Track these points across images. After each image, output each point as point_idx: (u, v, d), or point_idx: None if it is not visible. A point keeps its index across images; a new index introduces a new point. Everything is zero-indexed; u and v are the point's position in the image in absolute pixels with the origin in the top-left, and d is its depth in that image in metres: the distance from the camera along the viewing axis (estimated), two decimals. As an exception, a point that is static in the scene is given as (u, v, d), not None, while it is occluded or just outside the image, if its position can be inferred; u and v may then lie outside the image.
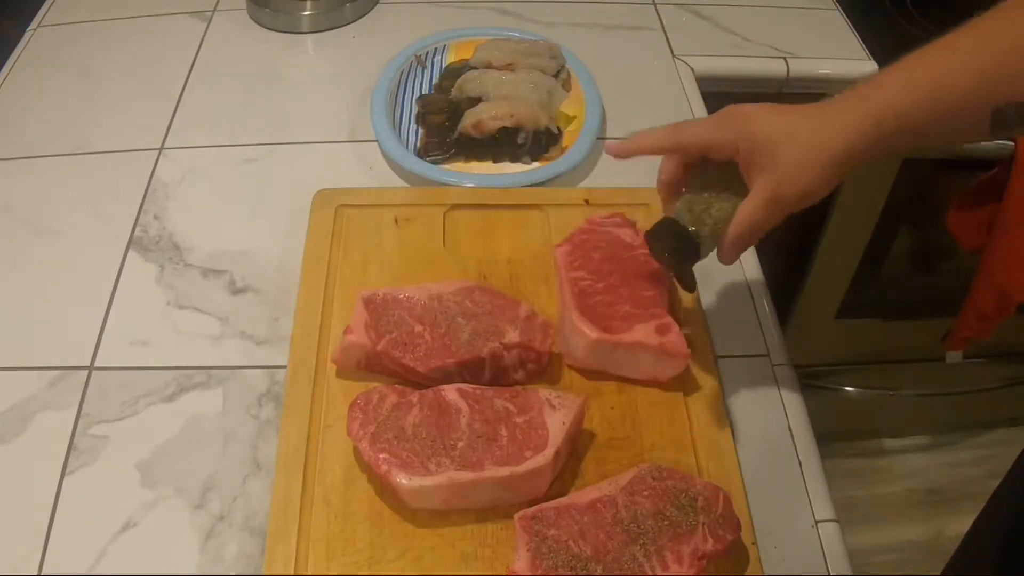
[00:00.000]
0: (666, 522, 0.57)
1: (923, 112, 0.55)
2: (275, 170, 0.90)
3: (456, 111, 0.93)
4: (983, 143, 1.06)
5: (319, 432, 0.65)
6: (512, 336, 0.67)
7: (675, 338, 0.67)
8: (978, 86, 0.53)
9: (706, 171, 0.63)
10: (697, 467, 0.65)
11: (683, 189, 0.64)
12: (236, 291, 0.78)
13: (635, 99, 0.99)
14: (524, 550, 0.56)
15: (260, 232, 0.83)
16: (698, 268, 0.79)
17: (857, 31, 1.12)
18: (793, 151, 0.57)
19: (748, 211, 0.60)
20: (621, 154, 0.64)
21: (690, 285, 0.67)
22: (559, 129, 0.92)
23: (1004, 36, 0.53)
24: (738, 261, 0.81)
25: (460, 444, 0.61)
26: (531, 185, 0.85)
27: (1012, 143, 1.00)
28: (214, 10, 1.12)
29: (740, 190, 0.61)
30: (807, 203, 0.60)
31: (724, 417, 0.68)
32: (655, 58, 1.07)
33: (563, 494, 0.62)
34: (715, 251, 0.64)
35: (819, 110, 0.58)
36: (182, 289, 0.78)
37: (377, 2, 1.14)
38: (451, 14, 1.12)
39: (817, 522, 0.64)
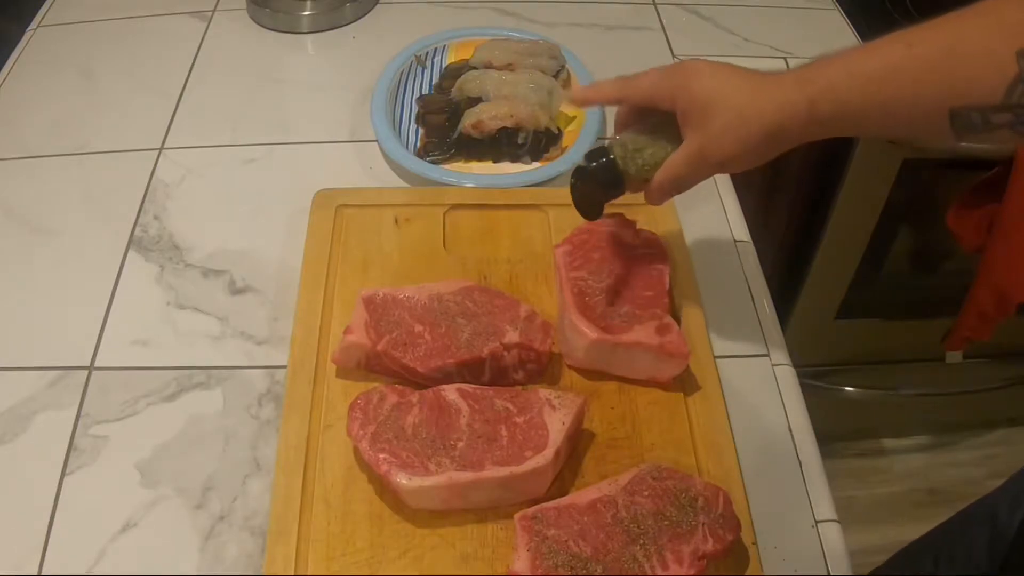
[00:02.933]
0: (666, 522, 0.57)
1: (864, 103, 0.55)
2: (275, 170, 0.91)
3: (456, 111, 0.93)
4: (983, 143, 1.06)
5: (319, 432, 0.65)
6: (512, 336, 0.67)
7: (675, 338, 0.67)
8: (928, 85, 0.52)
9: (656, 115, 0.65)
10: (697, 467, 0.65)
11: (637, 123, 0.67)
12: (236, 291, 0.78)
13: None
14: (524, 550, 0.56)
15: (260, 232, 0.83)
16: (701, 267, 0.79)
17: (857, 31, 1.12)
18: (723, 115, 0.58)
19: (673, 164, 0.63)
20: (577, 103, 0.70)
21: (594, 214, 0.70)
22: (559, 129, 0.92)
23: (968, 38, 0.52)
24: (738, 261, 0.82)
25: (460, 444, 0.61)
26: (531, 185, 0.85)
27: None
28: (214, 10, 1.12)
29: (676, 140, 0.63)
30: (732, 168, 0.61)
31: (724, 417, 0.68)
32: (655, 58, 1.07)
33: (563, 494, 0.62)
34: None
35: (761, 80, 0.59)
36: (182, 289, 0.78)
37: (377, 2, 1.14)
38: (451, 14, 1.12)
39: (817, 522, 0.64)
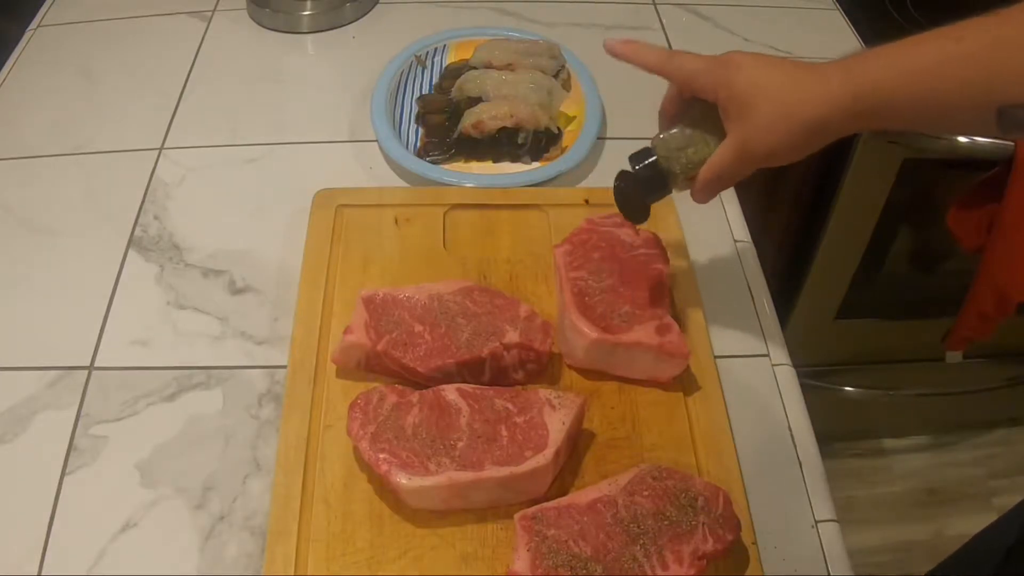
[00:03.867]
0: (666, 522, 0.57)
1: (908, 96, 0.54)
2: (275, 170, 0.91)
3: (456, 111, 0.93)
4: (981, 141, 1.06)
5: (319, 432, 0.65)
6: (512, 336, 0.67)
7: (675, 338, 0.67)
8: (976, 79, 0.52)
9: (698, 108, 0.64)
10: (697, 467, 0.65)
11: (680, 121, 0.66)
12: (236, 291, 0.78)
13: (635, 99, 0.99)
14: (524, 550, 0.56)
15: (260, 232, 0.83)
16: (701, 267, 0.79)
17: (857, 31, 1.12)
18: (766, 109, 0.58)
19: (717, 160, 0.62)
20: (614, 53, 0.66)
21: (640, 218, 0.68)
22: (559, 129, 0.92)
23: (1016, 33, 0.51)
24: (738, 261, 0.82)
25: (460, 444, 0.61)
26: (531, 185, 0.85)
27: (1012, 143, 1.00)
28: (214, 10, 1.12)
29: (719, 135, 0.62)
30: (775, 162, 0.61)
31: (724, 417, 0.68)
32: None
33: (563, 494, 0.62)
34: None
35: (804, 73, 0.58)
36: (182, 289, 0.78)
37: (377, 2, 1.14)
38: (451, 14, 1.12)
39: (817, 522, 0.64)
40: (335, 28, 1.10)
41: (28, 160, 0.91)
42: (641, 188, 0.66)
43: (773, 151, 0.59)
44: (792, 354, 0.75)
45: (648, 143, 0.66)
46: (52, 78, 1.02)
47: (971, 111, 0.52)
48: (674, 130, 0.65)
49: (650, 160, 0.65)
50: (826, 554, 0.63)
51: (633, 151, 0.66)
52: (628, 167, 0.66)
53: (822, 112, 0.57)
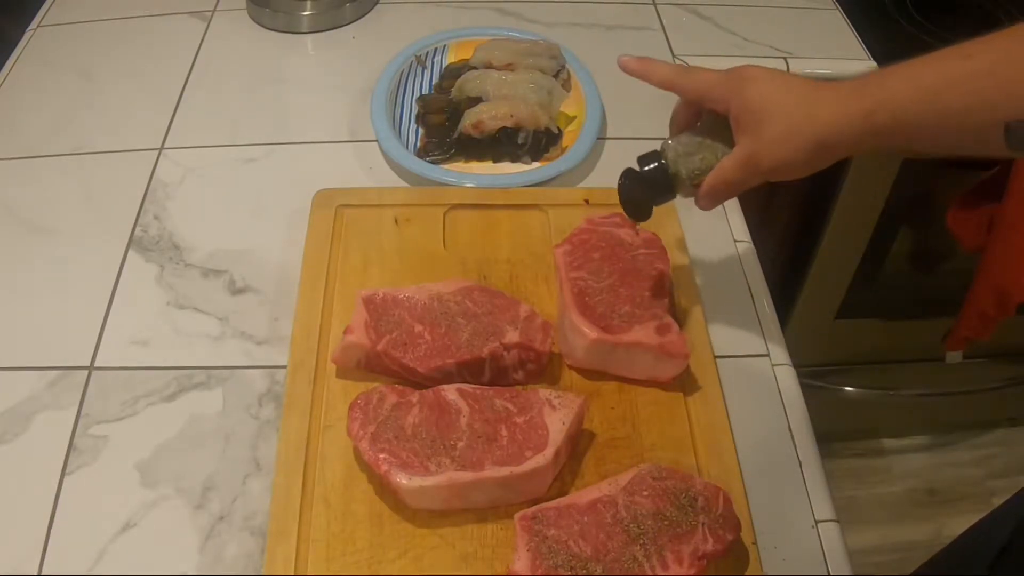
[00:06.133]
0: (666, 522, 0.57)
1: (921, 113, 0.55)
2: (275, 170, 0.91)
3: (456, 111, 0.93)
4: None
5: (319, 432, 0.65)
6: (512, 336, 0.67)
7: (675, 338, 0.67)
8: (985, 96, 0.52)
9: (709, 118, 0.65)
10: (697, 467, 0.65)
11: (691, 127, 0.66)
12: (236, 291, 0.78)
13: (635, 99, 0.99)
14: (524, 550, 0.56)
15: (260, 232, 0.83)
16: (701, 267, 0.79)
17: (857, 31, 1.12)
18: (777, 123, 0.58)
19: (724, 169, 0.62)
20: (627, 69, 0.66)
21: (642, 217, 0.68)
22: (559, 129, 0.92)
23: (1023, 49, 0.52)
24: (738, 261, 0.82)
25: (460, 444, 0.61)
26: (531, 185, 0.85)
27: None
28: (214, 10, 1.12)
29: (728, 145, 0.63)
30: (783, 176, 0.61)
31: (724, 417, 0.68)
32: (655, 58, 1.06)
33: (563, 494, 0.62)
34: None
35: (816, 89, 0.59)
36: (182, 289, 0.78)
37: (377, 2, 1.14)
38: (451, 14, 1.12)
39: (817, 522, 0.64)
40: (335, 28, 1.10)
41: (28, 160, 0.91)
42: (646, 189, 0.66)
43: (780, 165, 0.60)
44: (792, 354, 0.75)
45: (656, 146, 0.66)
46: (52, 78, 1.02)
47: (981, 129, 0.53)
48: (684, 136, 0.66)
49: (658, 163, 0.65)
50: (826, 554, 0.63)
51: (642, 152, 0.66)
52: (633, 166, 0.66)
53: (833, 129, 0.57)
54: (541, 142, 0.90)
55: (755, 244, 0.85)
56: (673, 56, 1.07)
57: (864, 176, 1.16)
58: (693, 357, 0.68)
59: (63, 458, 0.66)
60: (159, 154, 0.92)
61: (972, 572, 0.80)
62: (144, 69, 1.03)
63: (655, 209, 0.67)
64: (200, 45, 1.06)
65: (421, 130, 0.94)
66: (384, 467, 0.60)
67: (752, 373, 0.73)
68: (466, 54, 1.01)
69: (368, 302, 0.69)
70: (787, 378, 0.73)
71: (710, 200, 0.65)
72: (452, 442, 0.61)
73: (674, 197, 0.67)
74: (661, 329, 0.67)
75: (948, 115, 0.54)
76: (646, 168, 0.65)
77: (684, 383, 0.69)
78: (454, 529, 0.60)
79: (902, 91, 0.55)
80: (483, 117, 0.89)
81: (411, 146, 0.92)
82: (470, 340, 0.67)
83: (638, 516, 0.58)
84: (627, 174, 0.67)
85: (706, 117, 0.65)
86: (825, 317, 1.40)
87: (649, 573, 0.55)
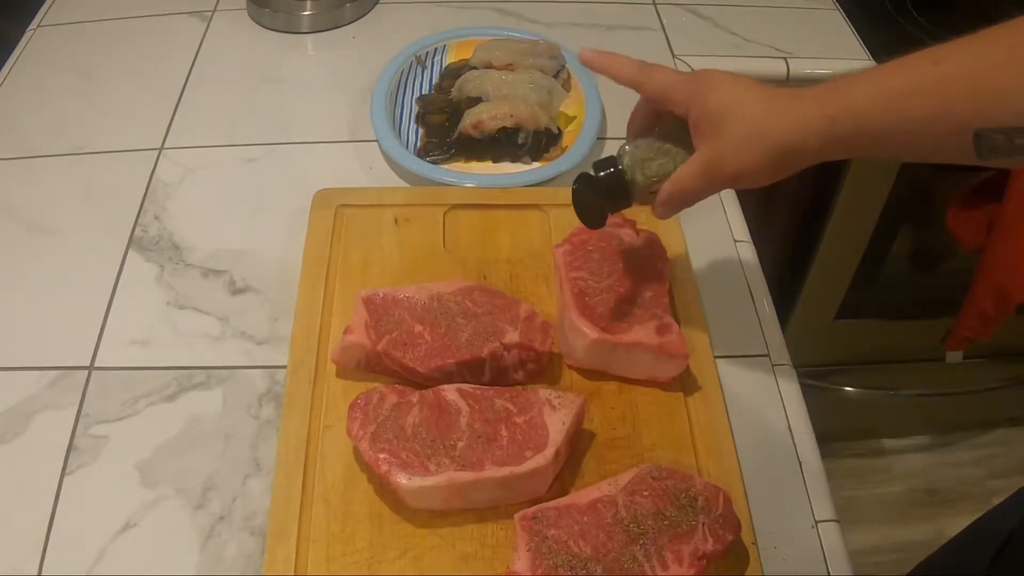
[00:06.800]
0: (666, 522, 0.57)
1: (886, 121, 0.53)
2: (275, 170, 0.91)
3: (456, 111, 0.93)
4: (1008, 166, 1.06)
5: (319, 432, 0.65)
6: (512, 336, 0.67)
7: (675, 338, 0.67)
8: (954, 102, 0.50)
9: (668, 123, 0.63)
10: (697, 467, 0.65)
11: (650, 132, 0.64)
12: (236, 291, 0.78)
13: (635, 99, 0.99)
14: (524, 550, 0.56)
15: (260, 232, 0.83)
16: (701, 267, 0.79)
17: (857, 31, 1.12)
18: (738, 129, 0.57)
19: (683, 176, 0.60)
20: (588, 64, 0.64)
21: (597, 224, 0.66)
22: (559, 129, 0.92)
23: (996, 54, 0.50)
24: (738, 261, 0.82)
25: (460, 444, 0.61)
26: (531, 185, 0.85)
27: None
28: (214, 10, 1.12)
29: (687, 152, 0.61)
30: (744, 184, 0.59)
31: (724, 417, 0.68)
32: (655, 58, 1.05)
33: (563, 494, 0.62)
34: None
35: (779, 96, 0.57)
36: (182, 289, 0.78)
37: (377, 2, 1.14)
38: (451, 14, 1.12)
39: (817, 522, 0.64)
40: (335, 28, 1.10)
41: (28, 160, 0.91)
42: (601, 195, 0.64)
43: (742, 172, 0.58)
44: (792, 354, 0.75)
45: (614, 153, 0.64)
46: (52, 78, 1.02)
47: (949, 136, 0.51)
48: (642, 141, 0.64)
49: (614, 168, 0.63)
50: (826, 554, 0.63)
51: (597, 158, 0.65)
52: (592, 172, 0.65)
53: (796, 136, 0.55)
54: (541, 142, 0.90)
55: (755, 244, 0.85)
56: (673, 56, 1.07)
57: (864, 176, 1.16)
58: (693, 357, 0.68)
59: (63, 458, 0.66)
60: (159, 154, 0.92)
61: (971, 570, 0.80)
62: (144, 69, 1.03)
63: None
64: (200, 45, 1.06)
65: (421, 130, 0.94)
66: (384, 467, 0.60)
67: (752, 373, 0.73)
68: (466, 54, 1.01)
69: (368, 302, 0.69)
70: (787, 378, 0.73)
71: (667, 208, 0.63)
72: (452, 442, 0.61)
73: (630, 205, 0.64)
74: (661, 329, 0.67)
75: (915, 122, 0.52)
76: (601, 174, 0.63)
77: (684, 383, 0.69)
78: (454, 529, 0.60)
79: (867, 97, 0.53)
80: (483, 117, 0.89)
81: (411, 146, 0.92)
82: (470, 340, 0.67)
83: (638, 516, 0.58)
84: (581, 179, 0.65)
85: (665, 120, 0.63)
86: (825, 317, 1.40)
87: (649, 573, 0.55)
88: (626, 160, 0.63)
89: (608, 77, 0.64)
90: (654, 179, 0.63)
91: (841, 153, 0.56)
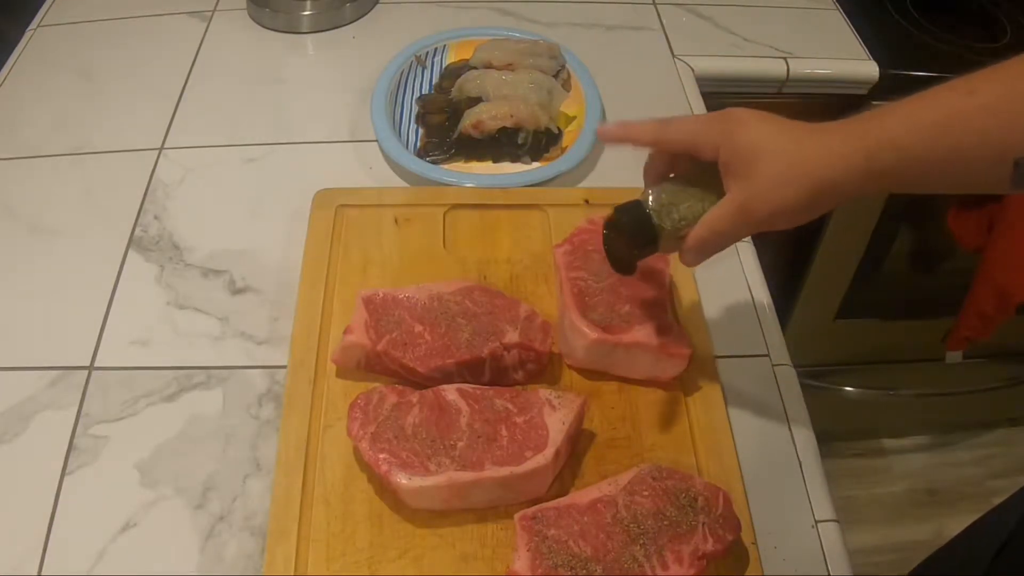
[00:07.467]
0: (666, 522, 0.57)
1: (923, 153, 0.52)
2: (275, 170, 0.91)
3: (456, 111, 0.93)
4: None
5: (319, 432, 0.65)
6: (512, 336, 0.67)
7: (675, 338, 0.67)
8: (991, 132, 0.50)
9: (690, 165, 0.61)
10: (697, 467, 0.65)
11: (671, 175, 0.62)
12: (236, 291, 0.78)
13: (635, 99, 0.99)
14: (524, 550, 0.56)
15: (260, 232, 0.83)
16: (701, 267, 0.79)
17: (857, 31, 1.12)
18: (772, 167, 0.54)
19: (714, 218, 0.58)
20: (606, 139, 0.62)
21: (628, 270, 0.64)
22: (559, 129, 0.92)
23: None
24: (738, 261, 0.82)
25: (460, 444, 0.61)
26: (531, 185, 0.85)
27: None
28: (214, 10, 1.12)
29: (716, 194, 0.58)
30: (779, 225, 0.57)
31: (724, 417, 0.68)
32: (655, 58, 1.07)
33: (563, 494, 0.62)
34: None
35: (812, 132, 0.55)
36: (182, 289, 0.78)
37: (377, 2, 1.14)
38: (451, 14, 1.12)
39: (817, 522, 0.64)
40: (335, 28, 1.10)
41: (28, 160, 0.91)
42: (628, 241, 0.61)
43: (777, 211, 0.55)
44: (792, 354, 0.75)
45: (639, 198, 0.62)
46: (52, 78, 1.02)
47: (987, 165, 0.50)
48: (667, 185, 0.61)
49: (640, 213, 0.60)
50: (826, 554, 0.63)
51: (620, 203, 0.62)
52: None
53: (832, 172, 0.53)
54: (541, 142, 0.90)
55: (755, 244, 0.85)
56: (673, 56, 1.07)
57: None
58: (693, 357, 0.68)
59: (63, 458, 0.66)
60: (159, 154, 0.92)
61: (971, 570, 0.80)
62: (144, 69, 1.03)
63: None
64: (200, 45, 1.06)
65: (421, 130, 0.94)
66: (384, 467, 0.60)
67: (752, 373, 0.73)
68: (466, 54, 1.01)
69: (368, 302, 0.69)
70: (787, 378, 0.73)
71: (696, 253, 0.60)
72: (452, 442, 0.61)
73: (657, 251, 0.61)
74: (661, 329, 0.67)
75: (951, 153, 0.51)
76: (626, 218, 0.61)
77: (684, 383, 0.69)
78: (454, 529, 0.60)
79: (903, 130, 0.52)
80: (483, 117, 0.89)
81: (411, 146, 0.92)
82: (470, 340, 0.67)
83: (638, 516, 0.58)
84: (609, 225, 0.63)
85: (682, 165, 0.61)
86: (825, 317, 1.40)
87: (649, 573, 0.55)
88: (651, 205, 0.60)
89: (631, 145, 0.61)
90: (682, 223, 0.59)
91: (878, 188, 0.54)
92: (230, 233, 0.83)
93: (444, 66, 1.01)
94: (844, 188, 0.54)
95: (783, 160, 0.54)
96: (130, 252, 0.82)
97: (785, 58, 1.07)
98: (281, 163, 0.91)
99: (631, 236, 0.61)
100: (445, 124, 0.93)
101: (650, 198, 0.60)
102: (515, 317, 0.69)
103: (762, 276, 0.82)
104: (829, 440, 1.66)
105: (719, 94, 1.05)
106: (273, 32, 1.09)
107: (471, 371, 0.67)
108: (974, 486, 1.69)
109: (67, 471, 0.66)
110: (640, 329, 0.67)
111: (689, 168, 0.61)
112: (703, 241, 0.59)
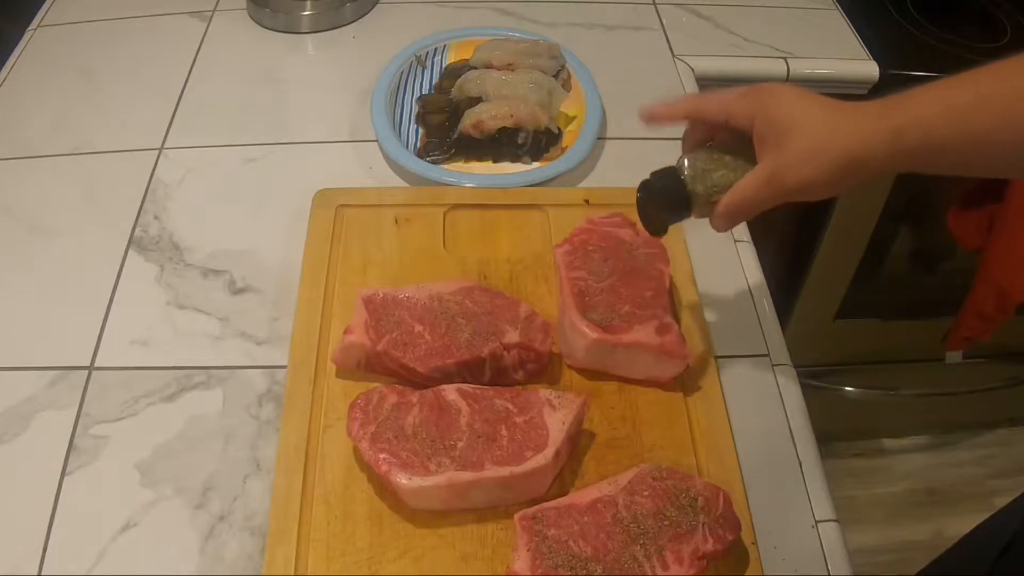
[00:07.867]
0: (666, 522, 0.57)
1: (951, 133, 0.53)
2: (275, 170, 0.91)
3: (456, 111, 0.93)
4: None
5: (319, 432, 0.65)
6: (512, 336, 0.67)
7: (675, 338, 0.67)
8: (1019, 116, 0.50)
9: (726, 134, 0.62)
10: (697, 467, 0.65)
11: (707, 145, 0.64)
12: (236, 291, 0.78)
13: (635, 99, 0.98)
14: (524, 550, 0.56)
15: (260, 232, 0.83)
16: (701, 267, 0.79)
17: (857, 31, 1.12)
18: (803, 140, 0.57)
19: (745, 186, 0.60)
20: (649, 119, 0.64)
21: (659, 231, 0.66)
22: (559, 129, 0.92)
23: None
24: (738, 261, 0.82)
25: (460, 444, 0.61)
26: (531, 185, 0.85)
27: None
28: (214, 10, 1.12)
29: (749, 163, 0.60)
30: (807, 196, 0.59)
31: (724, 417, 0.68)
32: (655, 58, 1.07)
33: (563, 494, 0.62)
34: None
35: (845, 108, 0.57)
36: (182, 289, 0.78)
37: (377, 2, 1.14)
38: (451, 14, 1.12)
39: (817, 522, 0.64)
40: (335, 28, 1.10)
41: (28, 160, 0.91)
42: (661, 204, 0.64)
43: (806, 183, 0.57)
44: (792, 354, 0.75)
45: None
46: (52, 78, 1.02)
47: (1013, 151, 0.52)
48: (702, 152, 0.63)
49: (675, 179, 0.62)
50: (826, 554, 0.63)
51: (657, 168, 0.64)
52: (639, 172, 0.64)
53: (861, 147, 0.55)
54: (541, 142, 0.90)
55: (755, 244, 0.85)
56: (673, 56, 1.07)
57: (864, 176, 1.16)
58: (693, 357, 0.68)
59: (63, 458, 0.66)
60: (159, 154, 0.92)
61: (975, 572, 0.80)
62: (144, 69, 1.03)
63: None
64: (200, 45, 1.06)
65: (421, 130, 0.94)
66: (384, 467, 0.60)
67: (752, 373, 0.73)
68: (466, 54, 1.01)
69: (368, 302, 0.69)
70: (787, 378, 0.73)
71: (727, 220, 0.62)
72: (452, 442, 0.61)
73: (690, 215, 0.64)
74: (661, 329, 0.67)
75: (982, 135, 0.52)
76: (661, 183, 0.63)
77: (684, 383, 0.69)
78: (454, 529, 0.60)
79: (933, 111, 0.53)
80: (483, 117, 0.89)
81: (411, 146, 0.92)
82: (470, 340, 0.67)
83: (638, 516, 0.58)
84: (643, 187, 0.64)
85: (721, 134, 0.63)
86: (825, 317, 1.40)
87: (649, 573, 0.55)
88: (687, 171, 0.62)
89: (674, 121, 0.64)
90: (715, 190, 0.62)
91: (904, 166, 0.56)
92: (230, 233, 0.83)
93: (444, 66, 1.01)
94: (871, 165, 0.56)
95: (815, 134, 0.56)
96: (130, 252, 0.82)
97: (785, 58, 1.07)
98: (281, 163, 0.91)
99: (665, 200, 0.63)
100: (445, 124, 0.93)
101: (685, 165, 0.63)
102: (515, 317, 0.69)
103: (762, 276, 0.82)
104: (829, 440, 1.67)
105: (719, 94, 1.05)
106: (273, 32, 1.09)
107: (471, 371, 0.67)
108: (974, 486, 1.69)
109: (67, 471, 0.66)
110: (640, 329, 0.67)
111: (725, 139, 0.63)
112: (733, 207, 0.61)
